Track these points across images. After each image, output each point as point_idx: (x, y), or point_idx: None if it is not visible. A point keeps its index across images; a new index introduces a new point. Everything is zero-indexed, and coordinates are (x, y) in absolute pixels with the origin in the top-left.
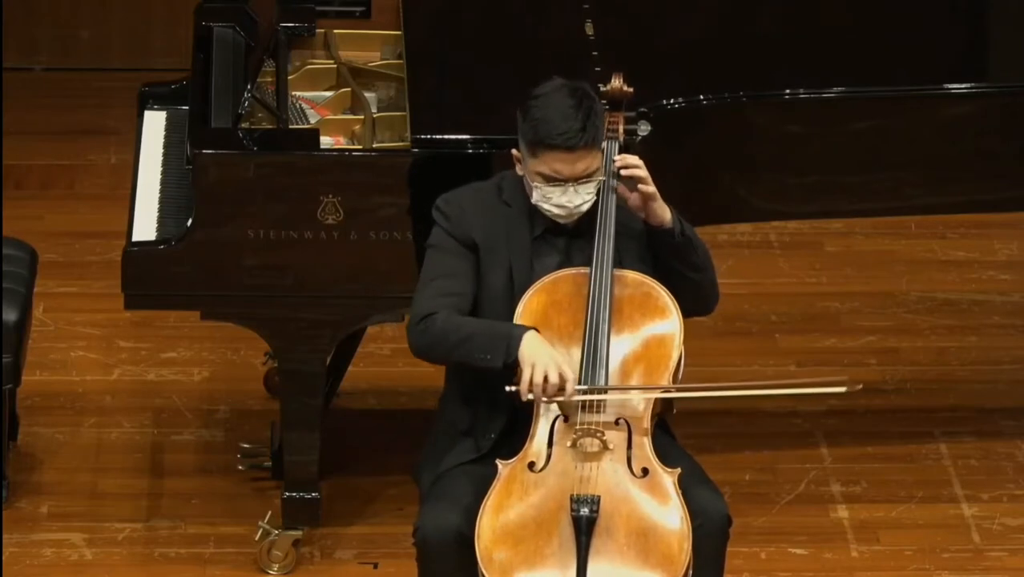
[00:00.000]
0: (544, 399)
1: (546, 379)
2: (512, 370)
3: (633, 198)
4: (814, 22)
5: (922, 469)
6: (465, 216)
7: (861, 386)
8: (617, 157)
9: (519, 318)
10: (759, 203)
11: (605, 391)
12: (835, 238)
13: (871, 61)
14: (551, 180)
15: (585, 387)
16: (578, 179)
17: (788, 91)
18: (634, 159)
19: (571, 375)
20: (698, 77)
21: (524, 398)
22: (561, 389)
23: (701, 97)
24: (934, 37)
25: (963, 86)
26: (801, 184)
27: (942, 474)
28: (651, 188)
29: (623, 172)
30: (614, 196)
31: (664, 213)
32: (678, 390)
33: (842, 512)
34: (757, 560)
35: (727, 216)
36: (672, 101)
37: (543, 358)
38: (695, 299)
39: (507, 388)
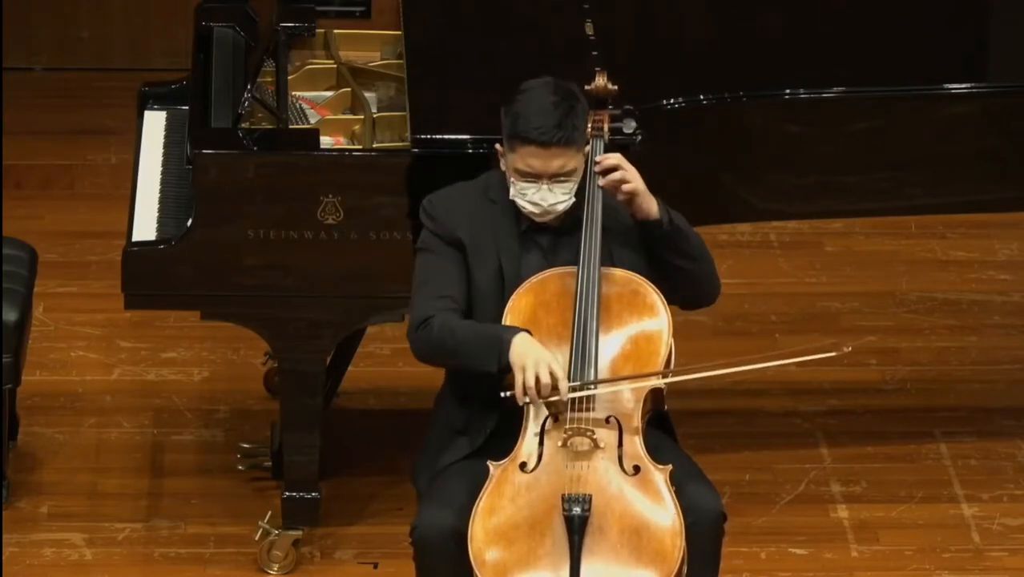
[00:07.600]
0: (540, 401)
1: (538, 380)
2: (507, 374)
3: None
4: (814, 22)
5: (922, 469)
6: (451, 216)
7: (849, 348)
8: (599, 158)
9: (507, 319)
10: (759, 203)
11: (595, 384)
12: (835, 238)
13: (871, 61)
14: (525, 176)
15: (577, 383)
16: (552, 177)
17: (788, 91)
18: (613, 159)
19: (561, 373)
20: (698, 77)
21: (520, 402)
22: (555, 388)
23: (701, 97)
24: (933, 37)
25: (963, 86)
26: (801, 184)
27: (942, 474)
28: (632, 185)
29: (600, 179)
30: (600, 193)
31: (651, 206)
32: (665, 376)
33: (842, 512)
34: (757, 560)
35: (727, 216)
36: (672, 101)
37: (532, 359)
38: (694, 290)
39: (502, 394)
